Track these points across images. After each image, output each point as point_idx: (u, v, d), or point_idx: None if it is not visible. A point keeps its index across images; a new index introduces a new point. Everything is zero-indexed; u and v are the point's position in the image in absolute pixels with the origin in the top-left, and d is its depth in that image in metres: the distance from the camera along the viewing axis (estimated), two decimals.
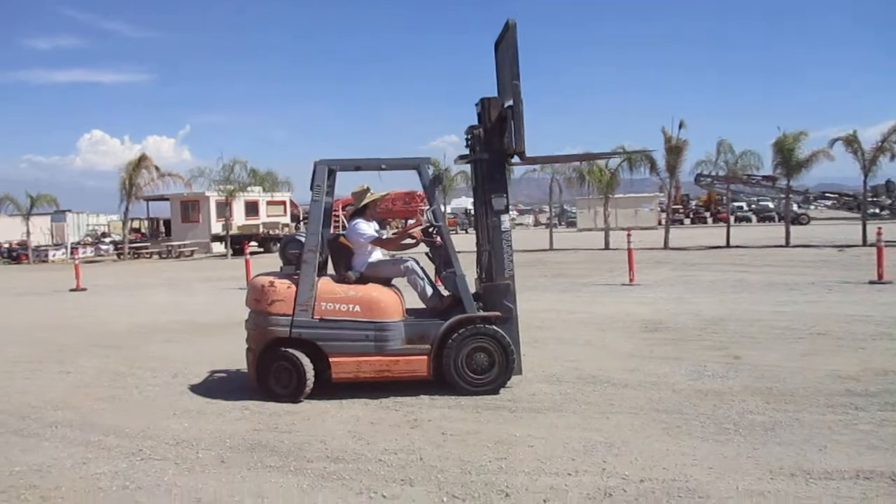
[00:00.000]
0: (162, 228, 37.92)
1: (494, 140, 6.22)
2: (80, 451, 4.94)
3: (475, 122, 6.40)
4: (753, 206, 48.43)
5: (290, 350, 6.02)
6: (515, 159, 6.26)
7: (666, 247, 24.56)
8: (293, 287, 6.10)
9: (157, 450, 4.92)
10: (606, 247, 25.56)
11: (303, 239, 6.27)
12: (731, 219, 27.67)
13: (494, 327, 6.12)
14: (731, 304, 10.98)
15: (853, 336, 8.03)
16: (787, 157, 23.85)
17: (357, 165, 6.56)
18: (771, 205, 46.10)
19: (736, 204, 43.10)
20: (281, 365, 6.05)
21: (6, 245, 35.88)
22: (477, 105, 6.35)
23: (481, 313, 6.18)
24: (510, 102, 6.13)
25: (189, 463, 4.64)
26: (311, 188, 6.23)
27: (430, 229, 6.54)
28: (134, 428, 5.43)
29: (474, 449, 4.73)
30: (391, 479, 4.26)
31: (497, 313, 6.18)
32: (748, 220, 47.18)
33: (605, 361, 7.22)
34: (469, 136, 6.40)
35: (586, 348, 7.97)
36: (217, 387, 6.71)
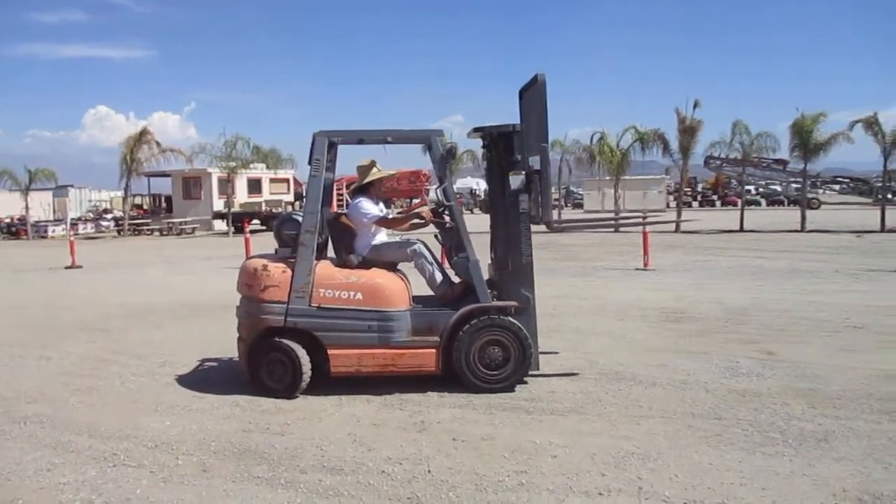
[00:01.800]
0: (164, 205, 37.34)
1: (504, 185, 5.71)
2: (48, 454, 4.40)
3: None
4: (762, 189, 47.58)
5: (285, 341, 5.46)
6: None
7: (677, 230, 23.91)
8: (289, 271, 5.53)
9: (133, 454, 4.37)
10: (616, 230, 24.88)
11: (300, 218, 5.69)
12: (740, 202, 26.97)
13: (510, 318, 5.55)
14: (753, 292, 10.40)
15: (893, 330, 7.45)
16: (806, 140, 23.09)
17: (360, 138, 5.95)
18: (779, 188, 45.27)
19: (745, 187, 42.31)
20: (275, 357, 5.50)
21: (6, 220, 35.38)
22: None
23: (496, 303, 5.61)
24: (536, 166, 5.57)
25: (166, 471, 4.09)
26: (310, 162, 5.64)
27: (441, 209, 5.95)
28: (110, 426, 4.89)
29: (489, 459, 4.18)
30: (396, 497, 3.71)
31: (513, 303, 5.61)
32: (757, 203, 46.40)
33: (627, 355, 6.66)
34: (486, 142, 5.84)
35: (605, 339, 7.40)
36: (206, 378, 6.18)
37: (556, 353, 6.50)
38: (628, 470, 3.98)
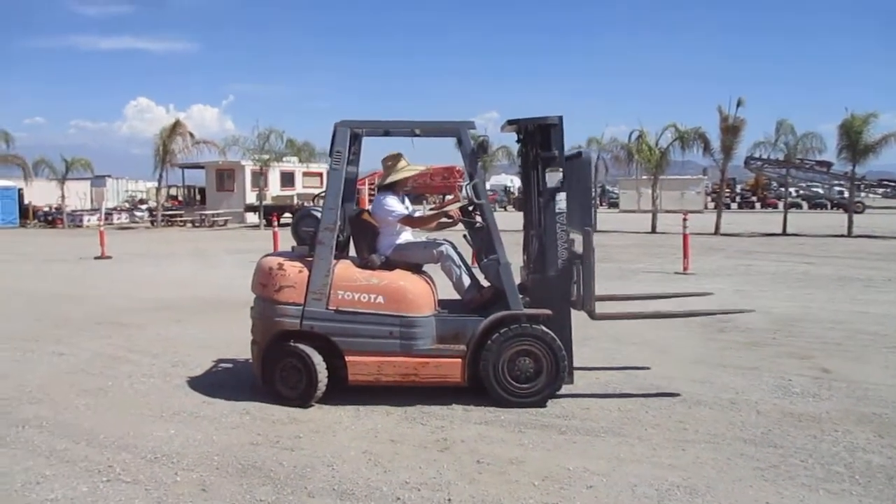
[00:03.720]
0: (198, 197, 37.44)
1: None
2: (40, 465, 4.08)
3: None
4: (803, 192, 46.23)
5: (300, 345, 5.10)
6: None
7: (717, 232, 23.17)
8: (306, 271, 5.16)
9: (130, 467, 4.03)
10: (653, 230, 24.26)
11: (319, 214, 5.31)
12: (781, 204, 26.07)
13: (543, 327, 5.11)
14: (802, 301, 9.81)
15: None
16: (855, 141, 22.18)
17: (386, 129, 5.56)
18: (821, 191, 43.93)
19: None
20: (289, 362, 5.13)
21: (45, 209, 35.81)
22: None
23: (528, 310, 5.17)
24: (579, 249, 5.20)
25: (163, 489, 3.74)
26: (330, 154, 5.26)
27: (470, 207, 5.52)
28: (112, 434, 4.56)
29: (517, 487, 3.76)
30: None
31: (547, 311, 5.17)
32: (798, 206, 45.14)
33: (669, 368, 6.18)
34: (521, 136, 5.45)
35: (644, 350, 6.92)
36: (219, 382, 5.84)
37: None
38: None
